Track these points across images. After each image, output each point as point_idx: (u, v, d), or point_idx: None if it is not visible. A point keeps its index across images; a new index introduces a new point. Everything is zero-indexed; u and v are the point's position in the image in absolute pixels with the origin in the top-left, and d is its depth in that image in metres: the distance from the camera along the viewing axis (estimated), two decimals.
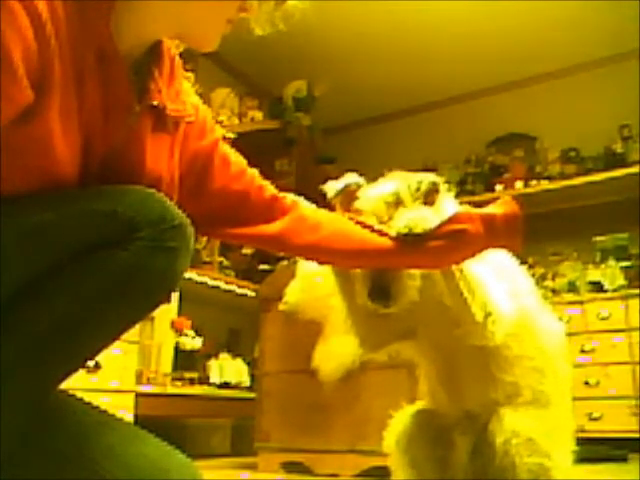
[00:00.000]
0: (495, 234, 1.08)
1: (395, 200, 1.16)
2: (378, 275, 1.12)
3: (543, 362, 1.24)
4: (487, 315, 1.14)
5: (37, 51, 0.73)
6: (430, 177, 1.17)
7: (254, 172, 1.14)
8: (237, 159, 1.12)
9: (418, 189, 1.15)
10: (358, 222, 1.12)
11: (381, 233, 1.09)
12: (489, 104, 4.46)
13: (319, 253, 1.12)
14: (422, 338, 1.28)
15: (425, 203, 1.16)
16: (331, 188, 1.25)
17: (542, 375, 1.23)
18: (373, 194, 1.20)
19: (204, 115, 1.07)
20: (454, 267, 1.13)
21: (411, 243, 1.06)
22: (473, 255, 1.10)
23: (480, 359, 1.21)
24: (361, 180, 1.25)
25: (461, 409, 1.26)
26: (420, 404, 1.37)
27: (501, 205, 1.12)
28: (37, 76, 0.74)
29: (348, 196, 1.23)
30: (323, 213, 1.16)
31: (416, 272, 1.14)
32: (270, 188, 1.14)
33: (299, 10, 0.96)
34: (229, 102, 3.80)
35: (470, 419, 1.24)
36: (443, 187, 1.19)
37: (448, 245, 1.06)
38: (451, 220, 1.07)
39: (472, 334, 1.16)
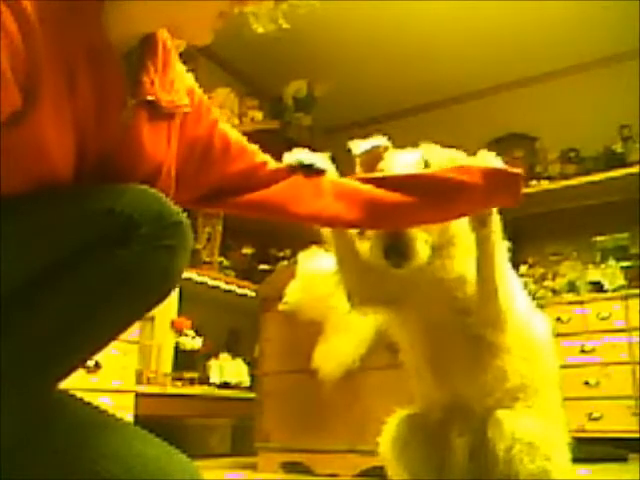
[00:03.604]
0: (495, 188, 1.10)
1: (424, 167, 1.19)
2: (396, 234, 1.14)
3: (531, 353, 1.25)
4: (505, 310, 1.18)
5: (25, 51, 0.72)
6: (460, 154, 1.20)
7: (254, 148, 1.15)
8: (237, 137, 1.13)
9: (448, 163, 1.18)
10: (354, 179, 1.14)
11: (374, 182, 1.10)
12: (489, 104, 4.46)
13: (324, 219, 1.12)
14: (409, 309, 1.27)
15: None
16: (358, 146, 1.27)
17: (530, 363, 1.24)
18: (402, 158, 1.22)
19: (199, 98, 1.08)
20: (493, 247, 1.16)
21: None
22: (473, 209, 1.12)
23: (470, 340, 1.22)
24: (388, 143, 1.27)
25: (451, 394, 1.25)
26: (413, 407, 1.36)
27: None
28: (26, 76, 0.73)
29: (373, 157, 1.25)
30: (323, 177, 1.16)
31: (429, 237, 1.16)
32: (272, 162, 1.15)
33: (302, 7, 0.95)
34: (229, 102, 3.80)
35: (466, 416, 1.23)
36: None
37: (447, 196, 1.08)
38: (450, 170, 1.09)
39: (480, 323, 1.18)
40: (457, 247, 1.23)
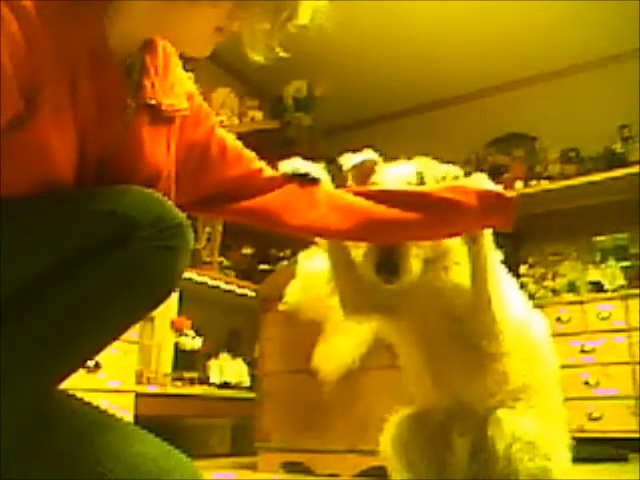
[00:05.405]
0: (488, 210, 1.10)
1: (418, 181, 1.19)
2: (388, 250, 1.13)
3: (530, 353, 1.25)
4: (499, 320, 1.18)
5: (27, 53, 0.72)
6: (455, 169, 1.20)
7: (251, 155, 1.15)
8: (233, 143, 1.13)
9: (444, 178, 1.18)
10: (349, 191, 1.14)
11: (369, 195, 1.10)
12: (489, 104, 4.46)
13: (317, 229, 1.12)
14: (404, 318, 1.27)
15: None
16: (348, 160, 1.26)
17: (530, 363, 1.24)
18: (395, 171, 1.22)
19: (198, 103, 1.07)
20: (485, 260, 1.17)
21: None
22: (465, 229, 1.14)
23: (468, 347, 1.22)
24: (378, 157, 1.27)
25: (452, 398, 1.26)
26: (414, 406, 1.36)
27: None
28: (28, 79, 0.73)
29: (364, 170, 1.25)
30: (318, 187, 1.16)
31: (421, 252, 1.16)
32: (267, 169, 1.15)
33: (312, 29, 0.96)
34: (229, 102, 3.80)
35: (467, 417, 1.24)
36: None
37: (440, 215, 1.09)
38: (446, 189, 1.10)
39: (476, 334, 1.18)
40: (451, 258, 1.23)
